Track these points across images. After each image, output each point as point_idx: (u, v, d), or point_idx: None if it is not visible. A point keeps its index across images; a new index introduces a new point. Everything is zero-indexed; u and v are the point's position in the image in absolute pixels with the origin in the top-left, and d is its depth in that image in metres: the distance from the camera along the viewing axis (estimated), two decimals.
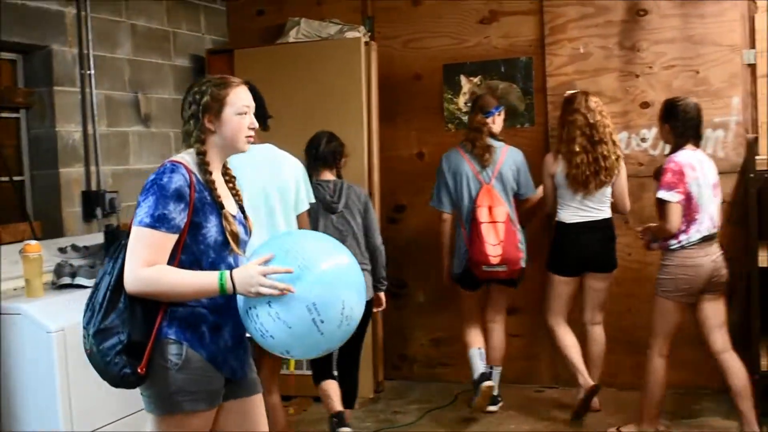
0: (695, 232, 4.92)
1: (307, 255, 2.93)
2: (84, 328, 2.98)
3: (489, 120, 5.72)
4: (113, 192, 5.59)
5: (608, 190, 5.57)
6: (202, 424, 3.04)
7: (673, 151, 5.04)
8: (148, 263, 2.89)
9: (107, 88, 5.72)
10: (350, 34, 6.39)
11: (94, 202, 5.48)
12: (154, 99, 6.20)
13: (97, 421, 4.32)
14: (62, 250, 4.93)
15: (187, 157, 3.07)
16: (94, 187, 5.55)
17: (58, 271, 4.65)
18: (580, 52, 6.18)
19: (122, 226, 5.19)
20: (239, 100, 3.11)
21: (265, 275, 2.86)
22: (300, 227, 4.60)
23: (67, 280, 4.60)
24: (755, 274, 5.18)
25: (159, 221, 2.89)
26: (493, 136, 5.73)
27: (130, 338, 2.90)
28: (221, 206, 3.06)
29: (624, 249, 6.13)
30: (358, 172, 6.13)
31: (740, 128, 5.85)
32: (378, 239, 5.30)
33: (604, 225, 5.62)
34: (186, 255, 2.99)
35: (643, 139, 6.09)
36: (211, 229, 3.01)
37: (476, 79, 6.48)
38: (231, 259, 3.09)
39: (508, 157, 5.70)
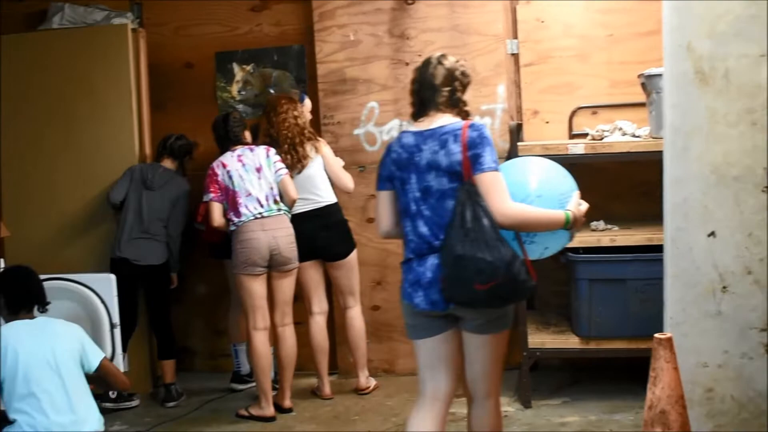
0: (246, 212, 5.42)
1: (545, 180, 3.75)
2: (490, 263, 3.41)
3: None
4: None
5: (311, 173, 5.72)
6: None
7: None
8: (508, 199, 3.52)
9: None
10: (117, 21, 6.20)
11: None
12: None
13: None
14: None
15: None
16: None
17: None
18: (350, 39, 6.21)
19: None
20: None
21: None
22: (106, 373, 4.50)
23: None
24: None
25: (497, 164, 3.56)
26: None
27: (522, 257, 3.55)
28: None
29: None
30: (129, 161, 5.99)
31: (506, 115, 6.06)
32: (176, 231, 5.97)
33: (324, 212, 5.76)
34: None
35: None
36: None
37: (249, 67, 6.42)
38: None
39: None
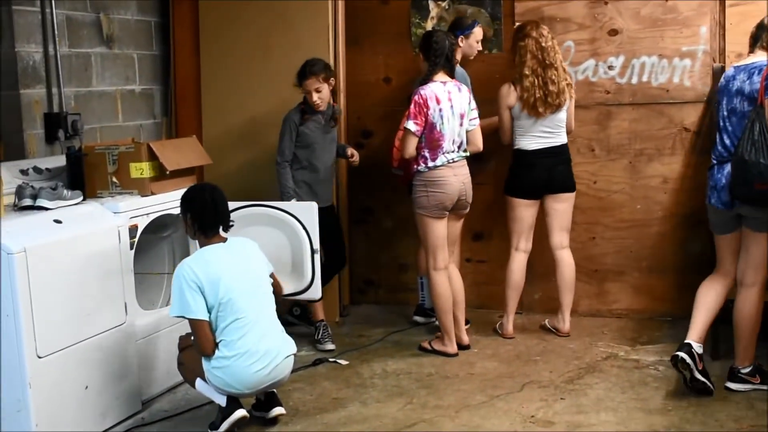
0: (441, 157, 5.40)
1: None
2: (756, 164, 4.34)
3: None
4: (76, 114, 5.52)
5: (562, 115, 5.66)
6: None
7: (425, 80, 5.46)
8: None
9: (68, 8, 5.60)
10: None
11: (56, 124, 5.41)
12: (117, 20, 6.08)
13: (60, 342, 4.29)
14: (24, 172, 4.85)
15: None
16: (56, 109, 5.47)
17: (20, 192, 4.57)
18: None
19: (85, 148, 5.12)
20: None
21: None
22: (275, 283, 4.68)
23: (28, 201, 4.53)
24: None
25: None
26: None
27: None
28: None
29: (590, 177, 6.18)
30: None
31: (707, 57, 5.86)
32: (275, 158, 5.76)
33: (561, 150, 5.74)
34: None
35: (611, 67, 6.07)
36: None
37: (444, 4, 6.40)
38: None
39: None
